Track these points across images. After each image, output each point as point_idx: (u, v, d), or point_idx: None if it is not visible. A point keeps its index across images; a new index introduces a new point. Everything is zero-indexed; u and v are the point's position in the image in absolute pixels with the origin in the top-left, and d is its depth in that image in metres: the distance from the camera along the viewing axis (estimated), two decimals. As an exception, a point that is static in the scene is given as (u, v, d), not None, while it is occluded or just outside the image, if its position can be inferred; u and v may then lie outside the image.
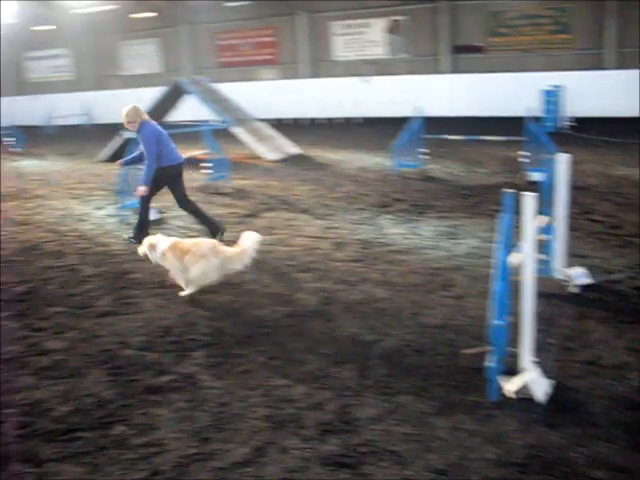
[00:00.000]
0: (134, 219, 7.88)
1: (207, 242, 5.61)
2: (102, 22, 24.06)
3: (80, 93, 24.96)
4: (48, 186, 11.92)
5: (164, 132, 7.12)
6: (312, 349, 4.57)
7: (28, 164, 15.59)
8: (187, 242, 5.66)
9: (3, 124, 20.07)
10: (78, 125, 23.60)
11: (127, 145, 10.45)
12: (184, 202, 7.34)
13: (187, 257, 5.48)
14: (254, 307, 5.43)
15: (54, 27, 24.74)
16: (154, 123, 7.09)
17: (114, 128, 15.02)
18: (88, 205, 10.13)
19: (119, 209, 9.00)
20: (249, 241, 5.51)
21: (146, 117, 7.04)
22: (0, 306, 5.62)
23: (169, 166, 7.05)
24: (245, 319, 5.17)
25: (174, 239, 5.71)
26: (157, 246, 5.66)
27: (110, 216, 9.21)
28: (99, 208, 9.85)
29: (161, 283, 6.10)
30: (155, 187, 7.15)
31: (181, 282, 5.68)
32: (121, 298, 5.77)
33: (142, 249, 5.84)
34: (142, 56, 24.78)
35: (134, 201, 8.77)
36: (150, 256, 5.74)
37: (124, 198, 8.95)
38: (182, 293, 5.64)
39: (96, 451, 3.44)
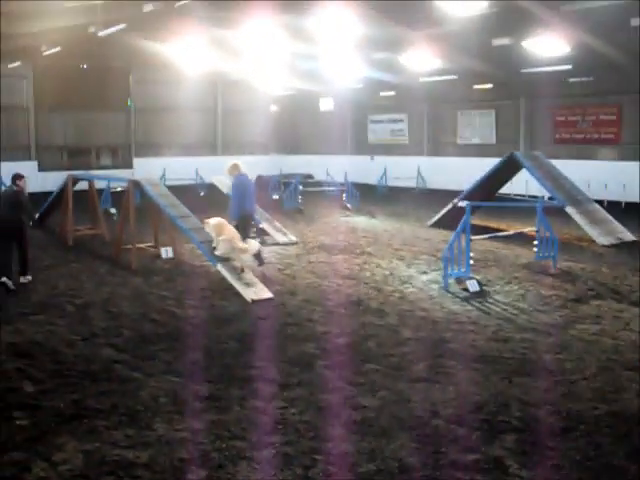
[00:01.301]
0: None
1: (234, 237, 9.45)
2: (440, 91, 26.18)
3: (414, 157, 27.46)
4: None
5: (250, 185, 10.54)
6: (633, 457, 4.40)
7: (359, 220, 17.48)
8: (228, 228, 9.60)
9: (341, 180, 23.25)
10: (411, 188, 25.83)
11: (457, 214, 11.11)
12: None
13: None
14: (572, 399, 5.38)
15: (394, 93, 27.87)
16: (244, 176, 10.47)
17: (445, 194, 16.08)
18: (413, 268, 10.96)
19: (443, 277, 9.58)
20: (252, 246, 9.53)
21: (241, 172, 10.51)
22: (320, 354, 6.55)
23: (245, 212, 10.34)
24: (560, 409, 5.16)
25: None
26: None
27: (433, 282, 9.86)
28: (423, 272, 10.59)
29: (478, 357, 6.43)
30: (241, 224, 10.17)
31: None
32: (436, 366, 6.15)
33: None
34: (478, 126, 26.18)
35: (460, 271, 9.42)
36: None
37: (450, 266, 9.49)
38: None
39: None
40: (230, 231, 9.66)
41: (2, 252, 9.61)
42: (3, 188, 10.10)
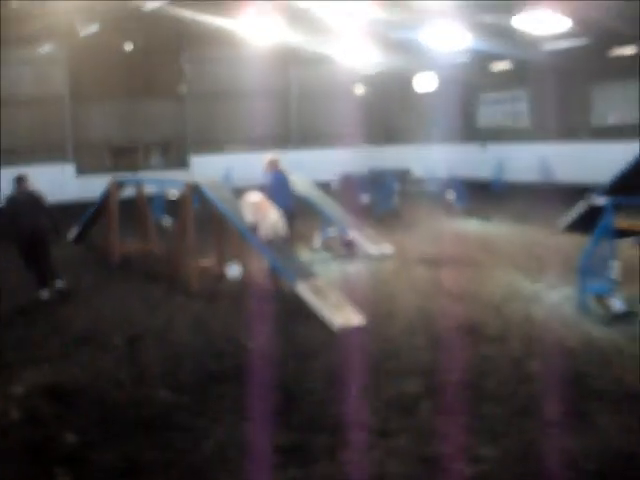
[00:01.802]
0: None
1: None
2: (570, 60, 25.58)
3: (537, 144, 26.93)
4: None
5: (287, 184, 12.13)
6: None
7: (469, 225, 17.48)
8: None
9: (445, 175, 23.12)
10: (533, 183, 25.36)
11: (594, 214, 10.85)
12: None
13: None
14: None
15: (509, 66, 27.45)
16: (282, 174, 12.05)
17: (578, 190, 15.70)
18: (539, 283, 10.88)
19: (579, 293, 9.41)
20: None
21: (279, 168, 12.07)
22: (426, 394, 6.55)
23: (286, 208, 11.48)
24: None
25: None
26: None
27: (566, 300, 9.73)
28: (552, 288, 10.51)
29: (626, 396, 6.27)
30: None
31: None
32: (573, 408, 6.08)
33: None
34: (619, 103, 25.31)
35: (601, 286, 9.16)
36: None
37: (588, 279, 9.28)
38: None
39: None
40: (274, 213, 10.69)
41: (35, 262, 10.36)
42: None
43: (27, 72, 25.62)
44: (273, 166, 12.15)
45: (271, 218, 10.61)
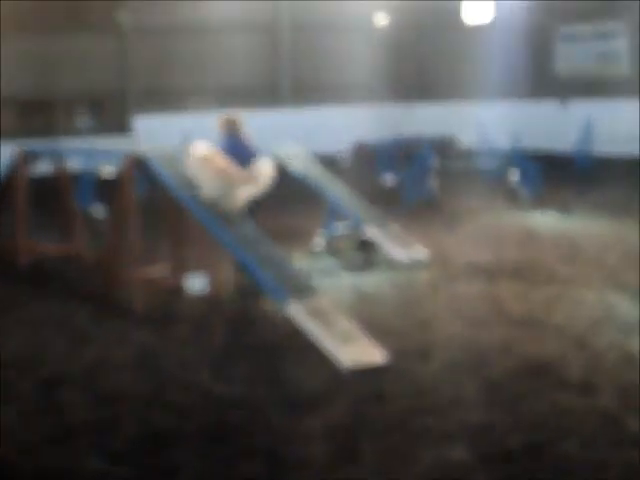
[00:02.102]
0: None
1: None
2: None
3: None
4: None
5: (248, 151, 12.20)
6: None
7: (542, 219, 17.59)
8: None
9: (506, 147, 23.03)
10: (636, 159, 25.21)
11: None
12: None
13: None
14: None
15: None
16: (239, 138, 12.30)
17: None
18: (640, 302, 10.99)
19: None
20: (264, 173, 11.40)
21: (236, 130, 12.36)
22: (476, 465, 6.56)
23: None
24: None
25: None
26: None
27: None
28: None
29: None
30: None
31: None
32: None
33: None
34: None
35: None
36: None
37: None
38: None
39: None
40: (222, 162, 11.29)
41: None
42: None
43: None
44: (228, 128, 12.41)
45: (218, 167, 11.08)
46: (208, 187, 11.22)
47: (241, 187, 11.43)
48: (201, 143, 11.44)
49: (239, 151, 12.09)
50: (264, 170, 11.77)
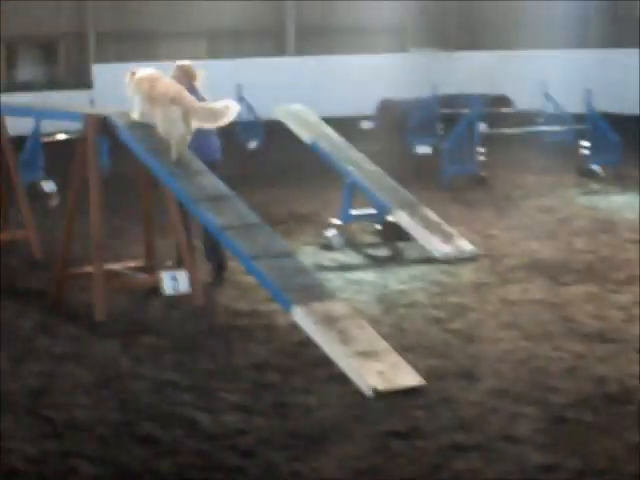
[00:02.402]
0: None
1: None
2: None
3: None
4: None
5: None
6: None
7: (621, 202, 17.75)
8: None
9: (575, 109, 22.95)
10: None
11: None
12: None
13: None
14: None
15: None
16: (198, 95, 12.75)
17: None
18: None
19: None
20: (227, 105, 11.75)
21: (193, 82, 13.16)
22: None
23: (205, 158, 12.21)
24: None
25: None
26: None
27: None
28: None
29: None
30: None
31: None
32: None
33: None
34: None
35: None
36: None
37: None
38: None
39: None
40: (170, 86, 11.81)
41: None
42: None
43: None
44: (185, 77, 13.12)
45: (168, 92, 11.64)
46: (151, 113, 11.67)
47: (200, 123, 11.85)
48: (146, 68, 12.04)
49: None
50: (230, 111, 11.89)
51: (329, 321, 9.73)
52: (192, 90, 12.62)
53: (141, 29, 29.37)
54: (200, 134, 12.43)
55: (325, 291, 10.43)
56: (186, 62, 13.48)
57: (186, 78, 12.99)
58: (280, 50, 31.20)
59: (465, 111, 20.75)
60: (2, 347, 10.44)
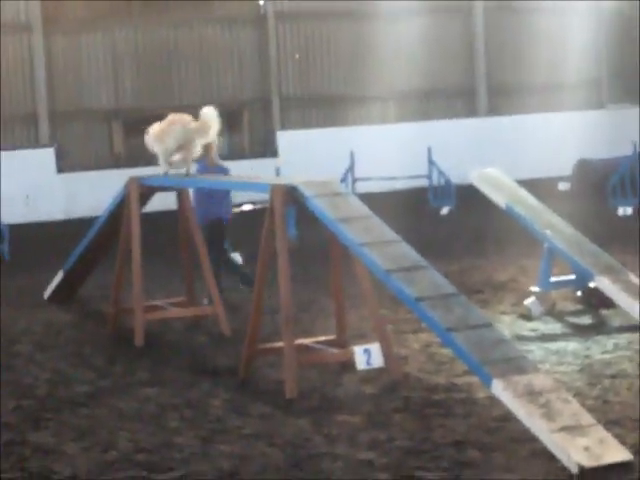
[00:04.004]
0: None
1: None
2: None
3: None
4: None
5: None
6: None
7: None
8: None
9: None
10: None
11: None
12: None
13: None
14: None
15: None
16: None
17: None
18: None
19: None
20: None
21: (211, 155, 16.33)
22: None
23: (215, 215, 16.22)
24: None
25: None
26: None
27: None
28: None
29: None
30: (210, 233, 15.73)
31: None
32: None
33: None
34: None
35: None
36: None
37: None
38: None
39: None
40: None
41: None
42: None
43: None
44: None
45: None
46: (169, 146, 13.99)
47: (197, 136, 14.11)
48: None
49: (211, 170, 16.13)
50: (211, 117, 14.13)
51: (531, 394, 9.65)
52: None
53: (326, 93, 29.69)
54: (212, 193, 15.67)
55: (526, 363, 10.32)
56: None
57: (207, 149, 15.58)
58: (471, 110, 31.17)
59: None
60: (192, 427, 10.65)
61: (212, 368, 12.74)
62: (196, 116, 13.77)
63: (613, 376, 11.51)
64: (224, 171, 16.34)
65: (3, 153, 27.63)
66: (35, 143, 28.69)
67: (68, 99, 28.99)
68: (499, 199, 14.41)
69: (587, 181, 20.93)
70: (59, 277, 16.64)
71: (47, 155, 27.18)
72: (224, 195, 16.36)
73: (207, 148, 15.40)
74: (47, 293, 16.93)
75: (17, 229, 23.69)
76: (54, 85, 28.48)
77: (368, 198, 13.32)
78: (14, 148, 28.16)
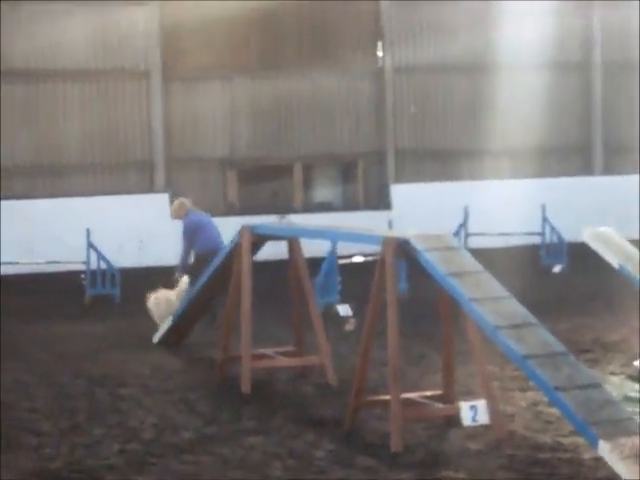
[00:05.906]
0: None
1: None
2: None
3: None
4: None
5: (210, 224, 18.77)
6: None
7: None
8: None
9: None
10: None
11: None
12: None
13: None
14: None
15: None
16: (199, 215, 18.89)
17: None
18: None
19: None
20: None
21: (190, 210, 18.73)
22: None
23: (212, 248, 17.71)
24: None
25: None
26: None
27: None
28: None
29: None
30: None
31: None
32: None
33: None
34: None
35: None
36: None
37: None
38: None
39: None
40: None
41: None
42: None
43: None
44: (182, 210, 18.93)
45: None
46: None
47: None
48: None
49: (204, 222, 18.82)
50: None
51: (638, 457, 9.57)
52: (197, 214, 18.98)
53: (441, 147, 29.72)
54: (208, 224, 18.66)
55: (633, 425, 10.21)
56: (182, 199, 19.21)
57: (185, 209, 18.82)
58: (587, 168, 30.97)
59: None
60: (295, 477, 10.62)
61: (317, 418, 12.74)
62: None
63: None
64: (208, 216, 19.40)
65: (118, 197, 28.28)
66: (150, 189, 29.06)
67: (184, 146, 29.37)
68: (612, 258, 14.29)
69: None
70: (169, 321, 16.84)
71: (162, 201, 27.47)
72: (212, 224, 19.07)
73: (182, 206, 18.99)
74: (156, 337, 17.14)
75: (129, 273, 24.22)
76: (171, 131, 28.85)
77: (480, 253, 13.23)
78: (129, 192, 28.64)
